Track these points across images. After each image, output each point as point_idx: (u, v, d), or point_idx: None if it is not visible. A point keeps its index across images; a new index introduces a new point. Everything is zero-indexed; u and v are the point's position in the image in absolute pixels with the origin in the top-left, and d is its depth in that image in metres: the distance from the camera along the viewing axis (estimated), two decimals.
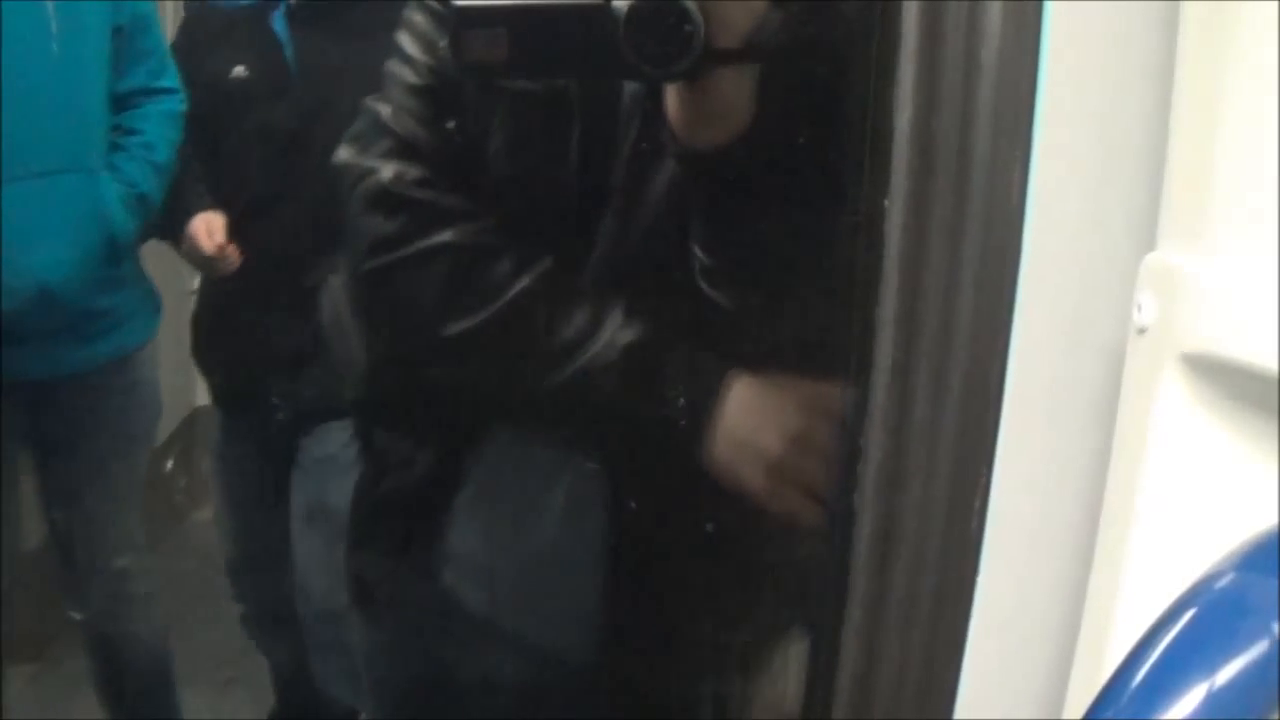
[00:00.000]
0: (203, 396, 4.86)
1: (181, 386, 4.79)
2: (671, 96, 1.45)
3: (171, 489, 4.69)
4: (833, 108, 1.46)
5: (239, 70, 3.06)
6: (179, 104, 3.08)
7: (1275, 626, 0.76)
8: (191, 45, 3.18)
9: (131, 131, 2.97)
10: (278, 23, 3.05)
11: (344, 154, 1.66)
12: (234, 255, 3.17)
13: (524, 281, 1.56)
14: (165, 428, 4.55)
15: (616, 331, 1.54)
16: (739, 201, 1.48)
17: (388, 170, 1.61)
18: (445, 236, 1.58)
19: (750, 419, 1.52)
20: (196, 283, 4.81)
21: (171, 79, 3.08)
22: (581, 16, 1.40)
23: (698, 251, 1.49)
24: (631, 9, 1.36)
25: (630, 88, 1.53)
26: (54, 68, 2.78)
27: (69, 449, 3.12)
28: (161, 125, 3.02)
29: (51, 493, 3.18)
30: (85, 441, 3.11)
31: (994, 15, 0.97)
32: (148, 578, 3.29)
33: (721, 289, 1.50)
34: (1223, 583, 0.81)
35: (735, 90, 1.42)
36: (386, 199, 1.61)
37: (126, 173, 2.92)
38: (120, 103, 2.99)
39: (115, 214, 2.88)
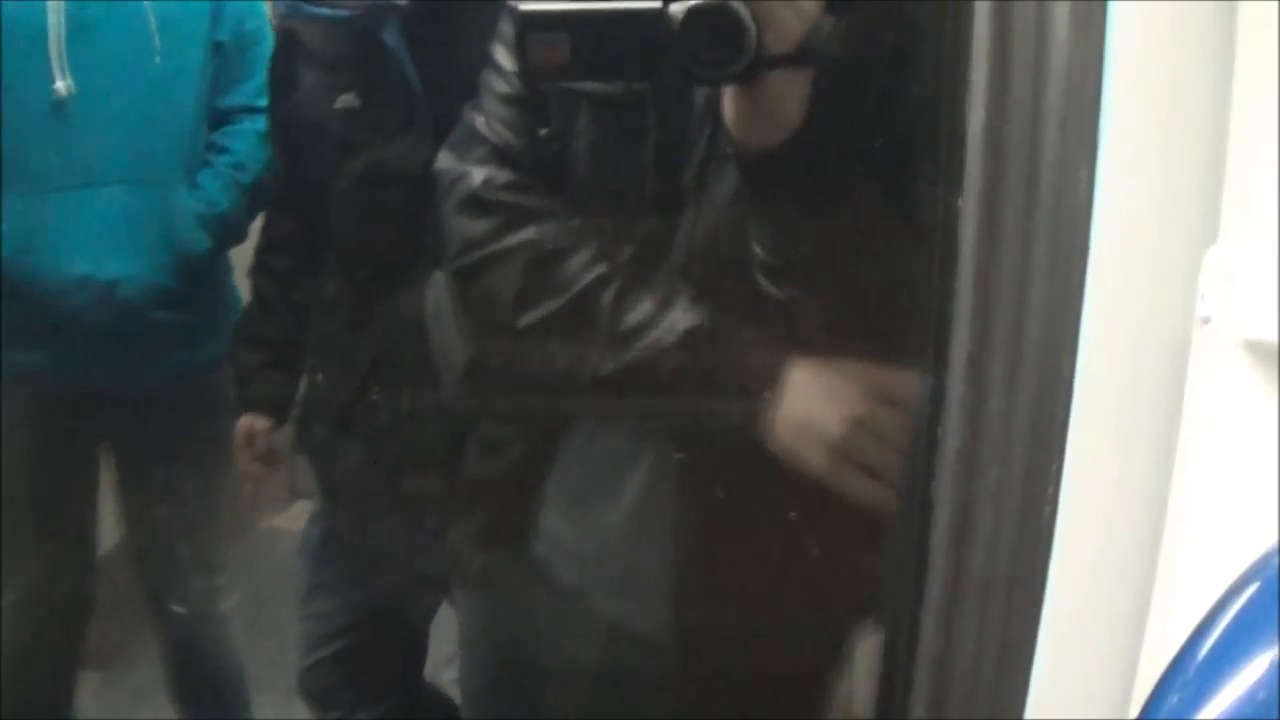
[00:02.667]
0: None
1: None
2: (727, 99, 1.50)
3: (240, 497, 4.71)
4: (884, 111, 1.51)
5: (346, 99, 2.55)
6: None
7: None
8: (284, 71, 2.74)
9: (223, 150, 2.91)
10: (390, 35, 2.47)
11: (443, 160, 1.74)
12: (262, 476, 3.03)
13: (596, 272, 1.62)
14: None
15: (679, 316, 1.59)
16: (793, 200, 1.52)
17: (479, 175, 1.68)
18: (528, 234, 1.65)
19: (812, 401, 1.56)
20: None
21: None
22: (639, 21, 1.45)
23: (756, 248, 1.54)
24: (687, 14, 1.40)
25: (702, 94, 1.57)
26: (146, 80, 2.77)
27: (144, 460, 3.11)
28: (255, 144, 2.91)
29: (129, 503, 3.20)
30: (161, 453, 3.08)
31: (1061, 18, 1.00)
32: (223, 591, 3.28)
33: (778, 284, 1.54)
34: None
35: (787, 93, 1.46)
36: (477, 202, 1.69)
37: (208, 190, 2.87)
38: (220, 120, 2.93)
39: (187, 230, 2.83)
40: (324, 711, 3.03)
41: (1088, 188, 0.99)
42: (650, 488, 1.70)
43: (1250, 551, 0.86)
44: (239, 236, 2.94)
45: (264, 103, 2.84)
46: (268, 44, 2.88)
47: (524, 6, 1.52)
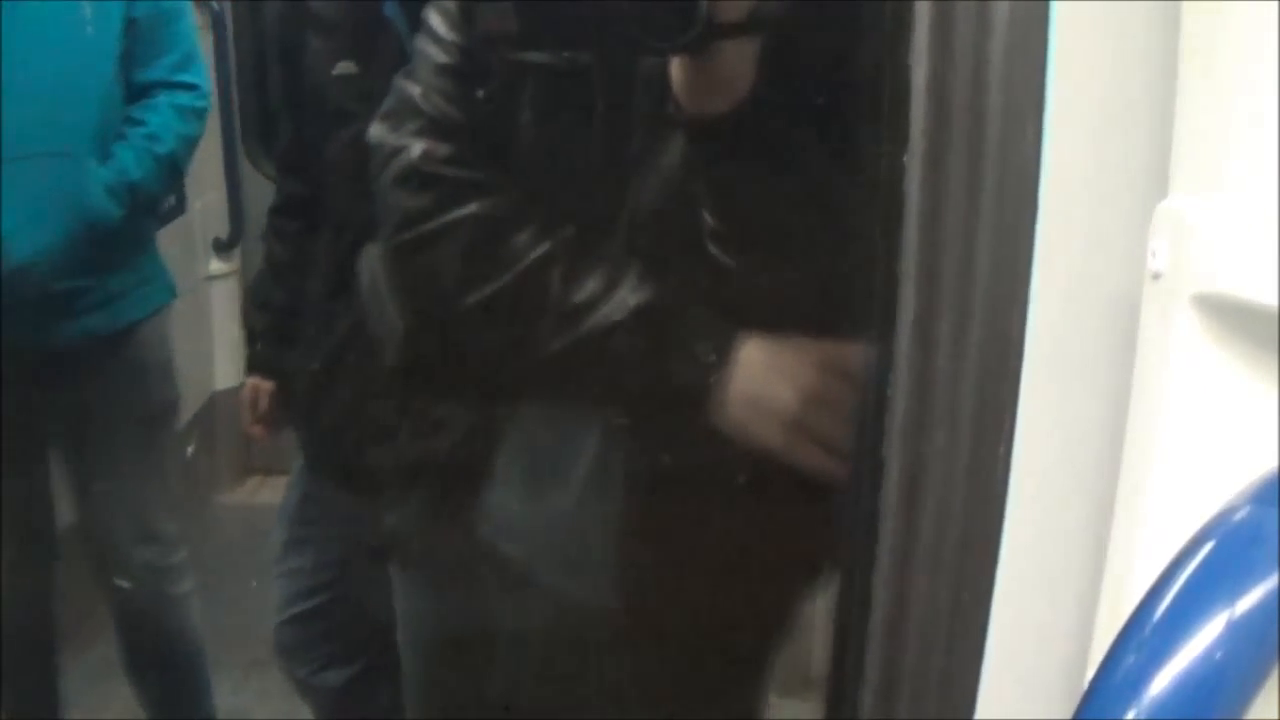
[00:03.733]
0: (221, 380, 4.92)
1: (201, 372, 4.81)
2: (675, 67, 1.49)
3: (195, 473, 4.71)
4: (832, 73, 1.50)
5: (345, 65, 2.55)
6: (197, 100, 3.08)
7: None
8: (289, 31, 2.74)
9: (139, 123, 2.98)
10: (390, 6, 2.49)
11: (376, 131, 1.71)
12: (263, 435, 3.12)
13: (543, 248, 1.60)
14: (186, 411, 4.59)
15: (629, 293, 1.58)
16: (742, 165, 1.51)
17: (417, 148, 1.65)
18: (470, 209, 1.63)
19: (763, 377, 1.56)
20: (212, 267, 4.89)
21: (195, 75, 3.08)
22: None
23: (705, 215, 1.53)
24: None
25: (647, 61, 1.56)
26: (67, 54, 2.83)
27: (77, 428, 3.17)
28: (171, 117, 3.01)
29: (71, 476, 3.22)
30: (91, 420, 3.14)
31: None
32: (177, 571, 3.30)
33: (728, 251, 1.53)
34: (1239, 516, 0.84)
35: (737, 60, 1.45)
36: (415, 176, 1.66)
37: (120, 160, 2.92)
38: (137, 94, 3.00)
39: (96, 200, 2.88)
40: (295, 668, 3.07)
41: (1035, 142, 0.98)
42: (600, 463, 1.69)
43: (1204, 510, 0.85)
44: (152, 206, 3.08)
45: (183, 77, 3.01)
46: (186, 19, 3.06)
47: None
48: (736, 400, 1.56)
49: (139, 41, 2.96)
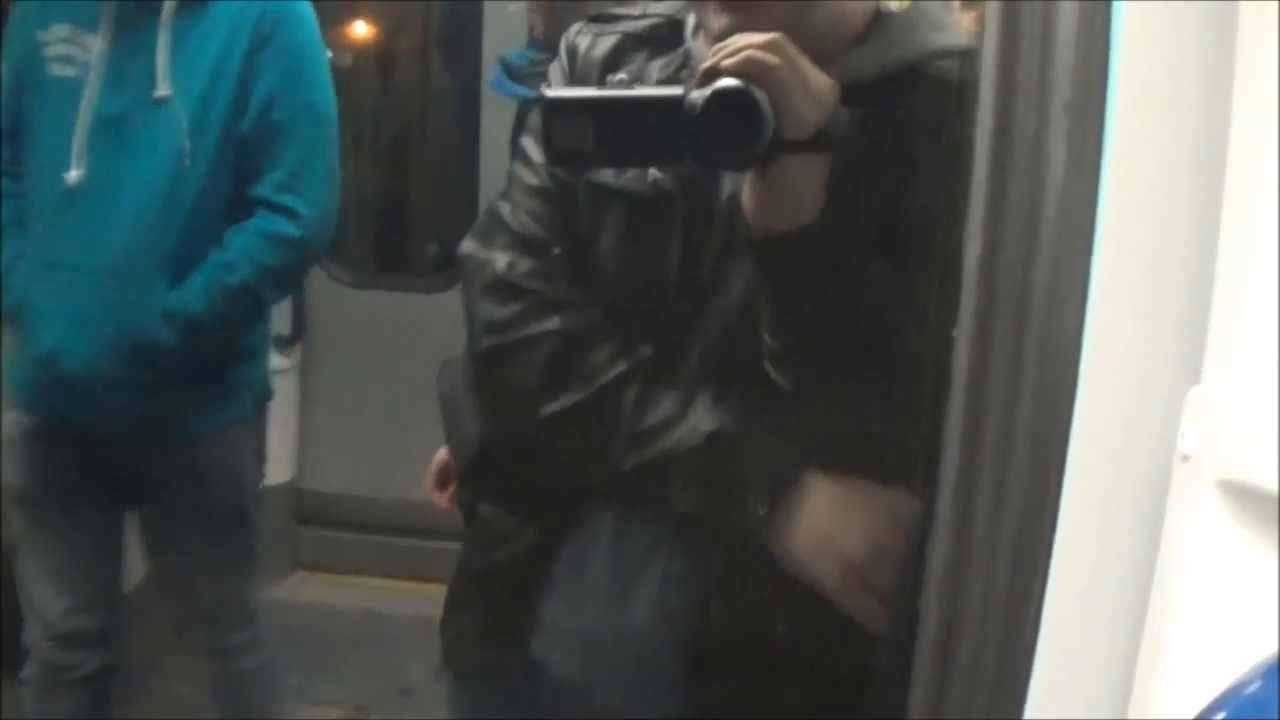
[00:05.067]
0: (274, 476, 4.94)
1: None
2: (745, 184, 1.54)
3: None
4: (899, 207, 1.55)
5: None
6: (292, 228, 2.91)
7: None
8: None
9: (223, 247, 2.89)
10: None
11: (468, 246, 1.79)
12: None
13: (620, 367, 1.65)
14: None
15: (701, 418, 1.62)
16: (803, 288, 1.56)
17: (502, 260, 1.73)
18: (552, 324, 1.69)
19: (828, 520, 1.59)
20: (273, 362, 4.94)
21: (300, 199, 2.91)
22: (661, 107, 1.50)
23: (765, 336, 1.58)
24: (708, 99, 1.45)
25: (727, 187, 1.62)
26: (145, 177, 2.83)
27: (150, 523, 3.23)
28: (255, 246, 2.89)
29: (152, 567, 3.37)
30: (165, 519, 3.19)
31: (1058, 152, 1.05)
32: (258, 653, 3.34)
33: (785, 373, 1.58)
34: (1251, 689, 0.88)
35: (803, 179, 1.51)
36: (500, 287, 1.73)
37: (188, 288, 2.86)
38: (247, 207, 2.91)
39: (150, 326, 2.83)
40: None
41: (1077, 321, 1.03)
42: (664, 587, 1.72)
43: (1219, 682, 0.89)
44: (212, 336, 2.92)
45: (284, 200, 2.89)
46: (304, 134, 2.92)
47: (550, 92, 1.57)
48: (802, 540, 1.60)
49: (248, 155, 2.88)
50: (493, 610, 1.86)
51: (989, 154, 1.06)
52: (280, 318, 4.88)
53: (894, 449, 1.51)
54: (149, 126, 2.81)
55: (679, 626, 1.72)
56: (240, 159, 2.89)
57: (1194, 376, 1.02)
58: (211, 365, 3.00)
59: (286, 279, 3.11)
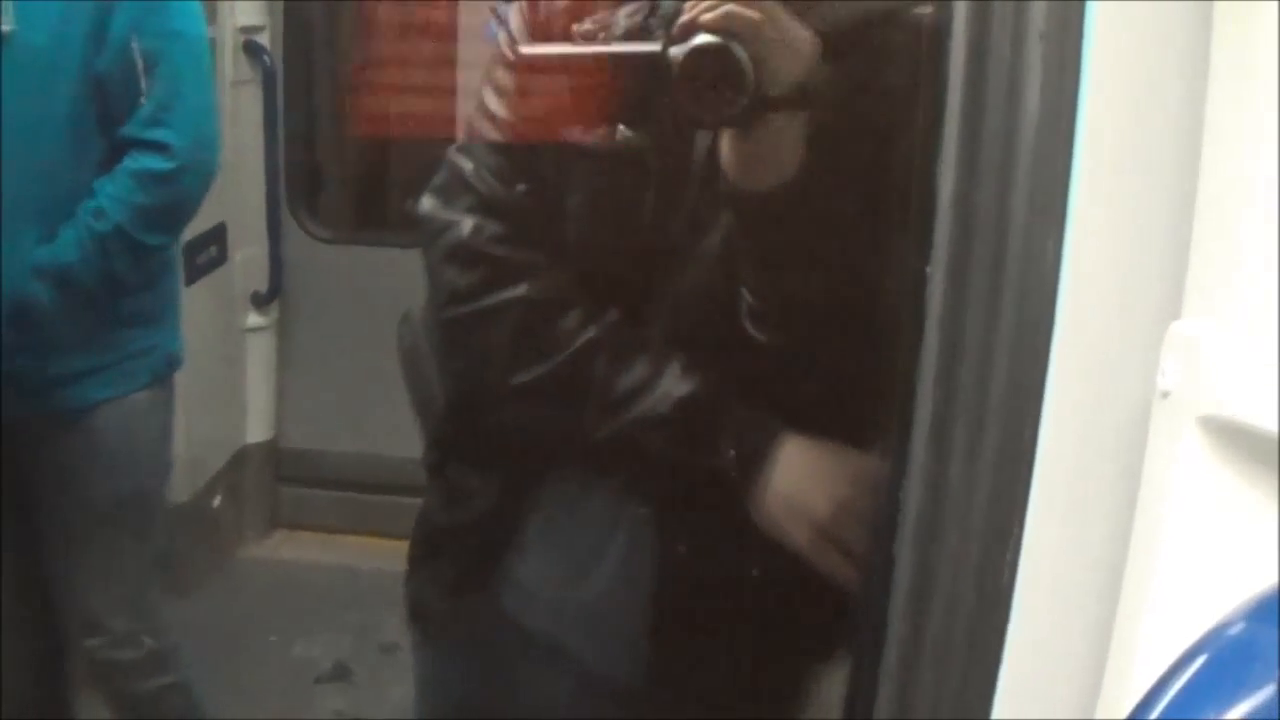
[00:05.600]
0: (252, 434, 4.95)
1: (232, 425, 4.84)
2: (725, 141, 1.51)
3: (220, 525, 4.72)
4: (879, 158, 1.53)
5: None
6: (163, 162, 2.72)
7: None
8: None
9: (92, 194, 2.71)
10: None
11: (427, 204, 1.73)
12: None
13: (589, 333, 1.62)
14: (213, 464, 4.61)
15: (673, 384, 1.60)
16: (784, 244, 1.54)
17: (467, 224, 1.67)
18: (519, 291, 1.65)
19: (800, 479, 1.58)
20: (250, 320, 4.92)
21: (170, 131, 2.73)
22: (639, 64, 1.47)
23: (745, 293, 1.55)
24: (687, 56, 1.42)
25: (698, 141, 1.59)
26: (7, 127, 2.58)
27: (30, 508, 2.93)
28: (125, 187, 2.71)
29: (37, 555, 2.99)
30: (41, 502, 2.92)
31: (1033, 89, 1.02)
32: (172, 662, 3.07)
33: (765, 330, 1.56)
34: (1234, 631, 0.86)
35: (784, 135, 1.48)
36: (465, 253, 1.68)
37: (59, 241, 2.70)
38: (121, 148, 2.72)
39: (20, 284, 2.66)
40: None
41: (1054, 259, 1.01)
42: (632, 545, 1.71)
43: (1202, 621, 0.88)
44: (94, 291, 2.76)
45: (153, 135, 2.70)
46: (168, 64, 2.72)
47: (525, 49, 1.54)
48: (774, 498, 1.59)
49: (110, 97, 2.69)
50: (461, 566, 1.84)
51: (962, 85, 1.03)
52: (257, 275, 4.88)
53: (878, 402, 1.49)
54: None
55: (649, 583, 1.71)
56: (105, 100, 2.71)
57: (1174, 312, 1.00)
58: (99, 330, 2.83)
59: (166, 217, 2.87)
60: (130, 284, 2.82)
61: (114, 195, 2.70)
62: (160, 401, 3.00)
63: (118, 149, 2.73)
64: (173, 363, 3.01)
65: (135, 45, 2.67)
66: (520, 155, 1.69)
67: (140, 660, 3.00)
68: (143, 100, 2.69)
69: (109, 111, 2.71)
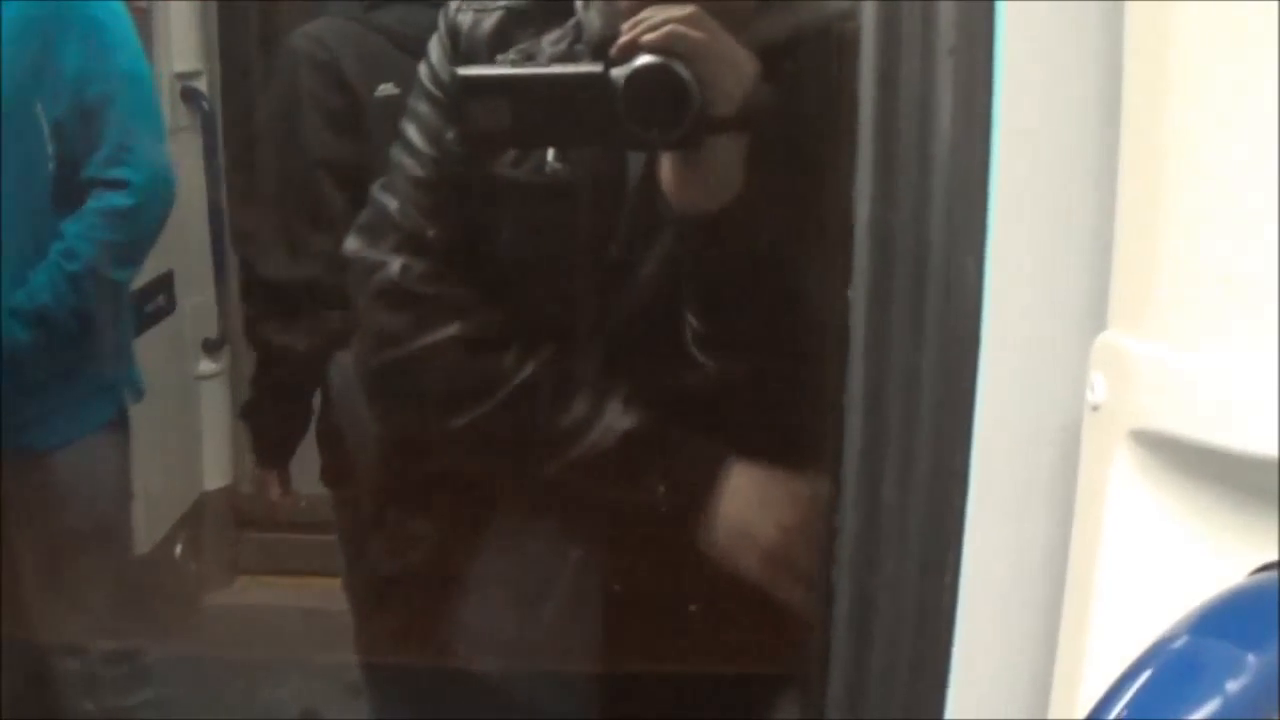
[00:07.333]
0: (210, 480, 4.91)
1: (189, 471, 4.81)
2: (666, 164, 1.50)
3: (182, 574, 4.69)
4: (810, 178, 1.52)
5: (386, 87, 2.50)
6: (125, 198, 2.81)
7: (1228, 685, 0.80)
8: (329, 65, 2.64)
9: (60, 237, 2.79)
10: None
11: (353, 245, 1.70)
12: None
13: (526, 371, 1.60)
14: (174, 511, 4.57)
15: (616, 418, 1.58)
16: (730, 266, 1.52)
17: (395, 264, 1.65)
18: (451, 330, 1.63)
19: (747, 507, 1.56)
20: (202, 367, 4.89)
21: (129, 168, 2.82)
22: (581, 85, 1.45)
23: (690, 317, 1.54)
24: (629, 77, 1.41)
25: (631, 168, 1.57)
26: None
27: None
28: (92, 226, 2.80)
29: None
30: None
31: (944, 105, 1.01)
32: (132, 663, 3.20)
33: (711, 354, 1.54)
34: (1177, 644, 0.85)
35: (728, 157, 1.47)
36: (394, 293, 1.65)
37: (32, 286, 2.76)
38: (83, 191, 2.82)
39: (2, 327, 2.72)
40: None
41: (976, 276, 1.00)
42: (581, 581, 1.69)
43: (1145, 633, 0.87)
44: (66, 329, 2.82)
45: (113, 174, 2.80)
46: (117, 107, 2.81)
47: (464, 71, 1.52)
48: (721, 527, 1.57)
49: (70, 141, 2.78)
50: (408, 613, 1.83)
51: (873, 106, 1.02)
52: (208, 321, 4.84)
53: (822, 427, 1.49)
54: None
55: (596, 622, 1.69)
56: (65, 146, 2.79)
57: (1101, 324, 0.99)
58: (64, 367, 2.90)
59: (132, 250, 3.00)
60: (99, 321, 2.90)
61: (82, 235, 2.79)
62: (122, 434, 3.12)
63: (80, 190, 2.80)
64: (131, 395, 3.13)
65: (86, 91, 2.76)
66: (445, 190, 1.66)
67: (121, 678, 3.15)
68: (100, 142, 2.78)
69: (69, 155, 2.79)
